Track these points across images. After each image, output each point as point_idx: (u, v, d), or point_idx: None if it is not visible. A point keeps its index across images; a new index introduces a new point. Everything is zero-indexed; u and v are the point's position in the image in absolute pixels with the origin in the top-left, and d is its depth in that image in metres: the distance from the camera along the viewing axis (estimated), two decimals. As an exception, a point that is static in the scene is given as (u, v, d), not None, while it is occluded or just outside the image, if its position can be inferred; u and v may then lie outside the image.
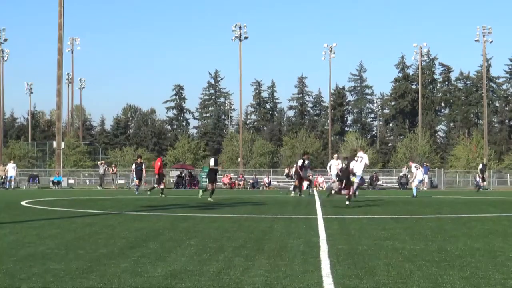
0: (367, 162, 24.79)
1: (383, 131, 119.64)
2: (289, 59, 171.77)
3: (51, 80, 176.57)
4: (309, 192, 34.62)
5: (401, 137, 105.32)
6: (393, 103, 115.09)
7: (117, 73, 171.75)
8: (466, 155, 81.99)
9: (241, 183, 56.30)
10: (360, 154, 24.86)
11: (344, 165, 23.48)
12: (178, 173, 59.08)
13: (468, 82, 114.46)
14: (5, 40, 78.77)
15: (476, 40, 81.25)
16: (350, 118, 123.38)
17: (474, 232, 12.90)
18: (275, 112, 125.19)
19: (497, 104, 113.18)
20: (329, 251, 9.59)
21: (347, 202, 22.13)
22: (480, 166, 45.18)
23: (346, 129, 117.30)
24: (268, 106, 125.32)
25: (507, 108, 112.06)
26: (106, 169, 55.79)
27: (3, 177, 52.27)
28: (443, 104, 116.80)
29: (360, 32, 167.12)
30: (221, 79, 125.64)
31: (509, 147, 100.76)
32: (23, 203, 24.69)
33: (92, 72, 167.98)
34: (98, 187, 52.91)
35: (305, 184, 35.40)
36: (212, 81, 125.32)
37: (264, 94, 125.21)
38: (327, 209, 20.24)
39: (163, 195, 31.68)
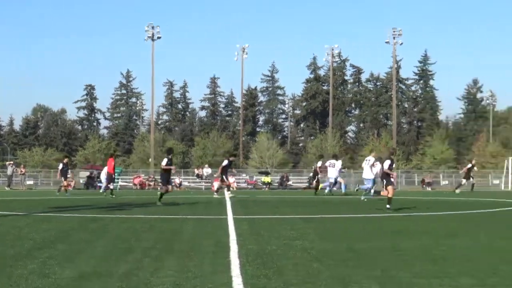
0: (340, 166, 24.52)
1: (294, 132, 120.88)
2: (201, 60, 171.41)
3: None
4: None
5: (312, 137, 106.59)
6: (304, 103, 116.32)
7: (27, 72, 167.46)
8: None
9: (152, 183, 55.78)
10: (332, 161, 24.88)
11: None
12: (88, 173, 58.06)
13: (378, 83, 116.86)
14: None
15: (386, 42, 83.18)
16: (261, 118, 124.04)
17: (383, 232, 13.18)
18: (187, 113, 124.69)
19: (406, 105, 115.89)
20: (239, 252, 9.62)
21: (388, 206, 20.33)
22: (469, 165, 46.27)
23: (258, 129, 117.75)
24: (180, 107, 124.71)
25: (415, 109, 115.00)
26: (15, 170, 54.34)
27: None
28: (353, 105, 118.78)
29: (272, 33, 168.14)
30: (133, 79, 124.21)
31: (417, 147, 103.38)
32: None
33: (1, 71, 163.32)
34: (6, 187, 51.47)
35: (216, 184, 35.20)
36: (124, 81, 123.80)
37: (176, 95, 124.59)
38: (237, 210, 20.31)
39: (113, 196, 31.26)
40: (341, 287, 7.06)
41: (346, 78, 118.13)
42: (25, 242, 10.97)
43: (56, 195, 33.22)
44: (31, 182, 58.28)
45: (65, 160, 37.96)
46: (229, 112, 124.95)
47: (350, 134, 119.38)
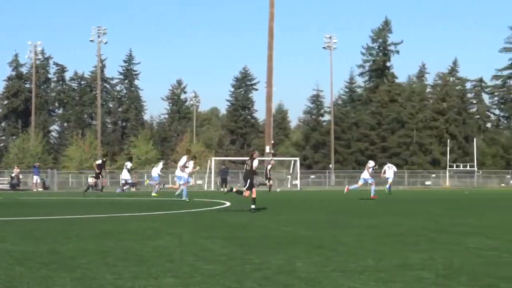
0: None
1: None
2: None
3: None
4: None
5: (14, 137, 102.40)
6: (5, 102, 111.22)
7: None
8: (80, 156, 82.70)
9: None
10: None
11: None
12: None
13: (82, 82, 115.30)
14: None
15: (91, 40, 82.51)
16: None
17: (86, 233, 12.96)
18: None
19: (111, 105, 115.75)
20: None
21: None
22: (269, 167, 46.52)
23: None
24: None
25: (120, 109, 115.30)
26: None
27: None
28: (57, 104, 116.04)
29: None
30: None
31: (121, 147, 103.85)
32: None
33: None
34: None
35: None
36: None
37: None
38: None
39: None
40: (43, 292, 6.80)
41: (49, 76, 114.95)
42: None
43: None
44: None
45: None
46: None
47: (53, 133, 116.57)
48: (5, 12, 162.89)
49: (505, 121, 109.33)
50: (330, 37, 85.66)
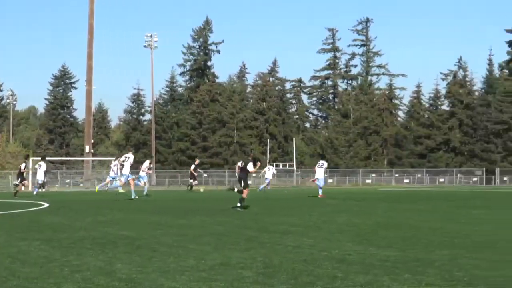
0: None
1: None
2: None
3: None
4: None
5: None
6: None
7: None
8: None
9: None
10: None
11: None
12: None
13: None
14: None
15: None
16: None
17: None
18: None
19: None
20: None
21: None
22: (193, 166, 44.85)
23: None
24: None
25: None
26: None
27: None
28: None
29: None
30: None
31: None
32: None
33: None
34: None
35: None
36: None
37: None
38: None
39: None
40: None
41: None
42: None
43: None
44: None
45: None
46: None
47: None
48: None
49: (323, 121, 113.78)
50: (151, 36, 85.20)
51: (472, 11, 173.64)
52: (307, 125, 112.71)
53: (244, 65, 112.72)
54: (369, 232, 13.14)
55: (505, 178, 77.85)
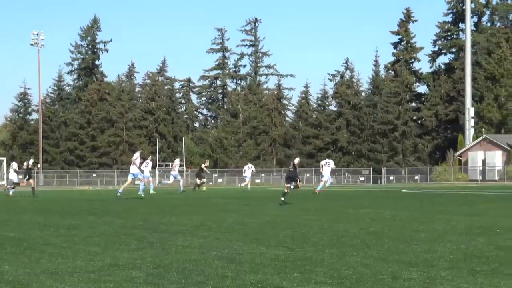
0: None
1: None
2: None
3: None
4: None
5: None
6: None
7: None
8: None
9: None
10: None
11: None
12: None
13: None
14: None
15: None
16: None
17: None
18: None
19: None
20: None
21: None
22: (203, 165, 44.33)
23: None
24: None
25: None
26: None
27: None
28: None
29: None
30: None
31: None
32: None
33: None
34: None
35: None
36: None
37: None
38: None
39: None
40: None
41: None
42: None
43: None
44: None
45: None
46: None
47: None
48: None
49: (212, 121, 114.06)
50: (37, 34, 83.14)
51: (358, 12, 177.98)
52: (197, 124, 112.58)
53: (132, 64, 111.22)
54: (259, 232, 13.33)
55: (391, 177, 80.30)
